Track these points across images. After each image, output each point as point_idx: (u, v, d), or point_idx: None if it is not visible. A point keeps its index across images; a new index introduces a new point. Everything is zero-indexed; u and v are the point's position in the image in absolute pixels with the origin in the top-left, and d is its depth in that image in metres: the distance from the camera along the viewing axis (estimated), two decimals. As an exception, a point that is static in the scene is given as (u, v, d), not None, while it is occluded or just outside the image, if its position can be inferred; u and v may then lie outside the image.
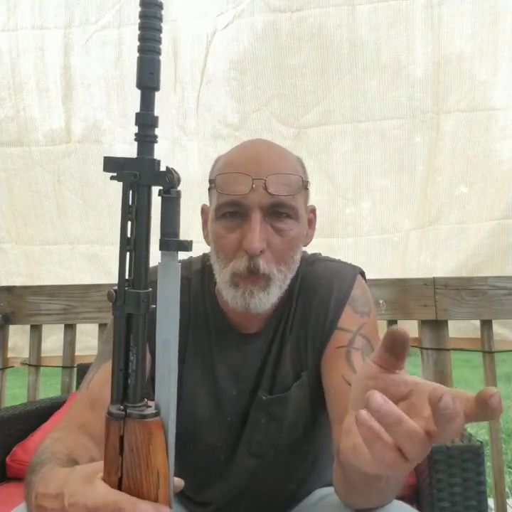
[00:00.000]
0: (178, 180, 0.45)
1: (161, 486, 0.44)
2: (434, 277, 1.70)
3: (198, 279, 0.91)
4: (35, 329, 1.95)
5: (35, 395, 1.92)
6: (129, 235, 0.47)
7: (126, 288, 0.45)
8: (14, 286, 1.96)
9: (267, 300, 0.79)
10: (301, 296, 0.89)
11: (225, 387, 0.88)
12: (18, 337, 2.01)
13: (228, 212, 0.79)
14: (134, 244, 0.47)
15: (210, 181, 0.83)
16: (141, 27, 0.42)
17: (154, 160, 0.44)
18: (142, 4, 0.42)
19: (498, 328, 1.71)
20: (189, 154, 1.93)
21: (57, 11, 1.91)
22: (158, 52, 0.43)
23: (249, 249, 0.75)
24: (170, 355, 0.46)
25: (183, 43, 1.88)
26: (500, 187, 1.73)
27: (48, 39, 1.93)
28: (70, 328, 1.93)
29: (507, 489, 1.78)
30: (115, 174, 0.45)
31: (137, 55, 0.44)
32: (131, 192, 0.47)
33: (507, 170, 1.72)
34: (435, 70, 1.74)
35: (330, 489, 0.88)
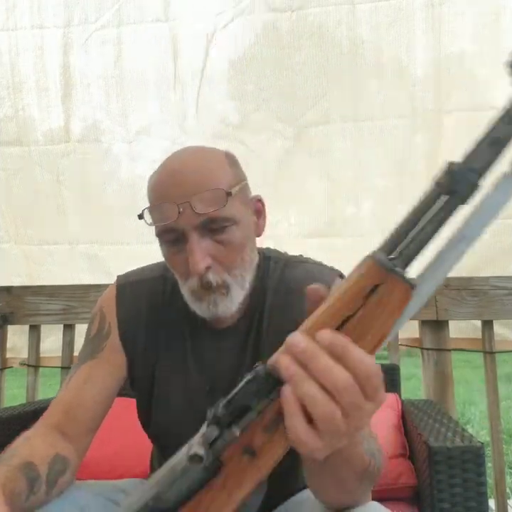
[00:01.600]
0: None
1: (373, 350, 0.43)
2: (434, 277, 1.69)
3: (173, 277, 0.92)
4: (34, 329, 1.94)
5: (34, 396, 1.92)
6: None
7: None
8: (13, 286, 1.95)
9: (231, 304, 0.82)
10: (279, 294, 0.89)
11: (197, 384, 0.89)
12: (17, 337, 2.01)
13: (168, 239, 0.82)
14: None
15: (139, 216, 0.83)
16: None
17: None
18: None
19: (498, 329, 1.71)
20: (189, 154, 1.92)
21: (56, 10, 1.91)
22: None
23: (194, 272, 0.78)
24: None
25: (183, 43, 1.88)
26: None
27: (47, 38, 1.92)
28: (69, 329, 1.92)
29: (508, 490, 1.78)
30: None
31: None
32: None
33: (507, 170, 1.72)
34: (436, 70, 1.74)
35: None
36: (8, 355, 2.00)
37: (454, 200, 0.42)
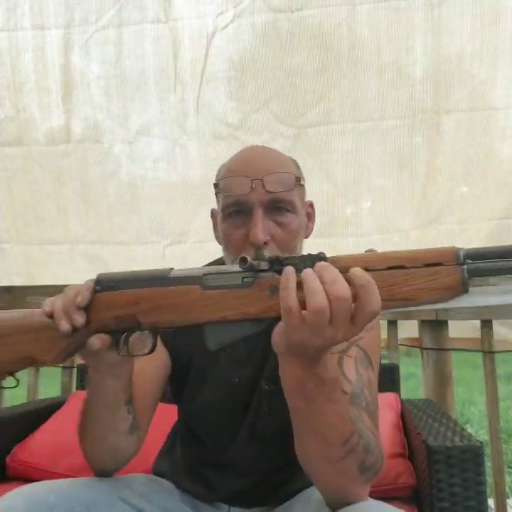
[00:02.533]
0: None
1: (399, 303, 0.55)
2: (434, 277, 1.70)
3: None
4: (35, 329, 1.94)
5: (35, 395, 1.92)
6: None
7: None
8: (14, 286, 1.96)
9: None
10: None
11: (227, 374, 0.93)
12: (17, 337, 2.01)
13: (233, 211, 0.86)
14: None
15: (215, 186, 0.91)
16: None
17: None
18: None
19: (498, 328, 1.71)
20: (189, 154, 1.93)
21: (57, 11, 1.91)
22: None
23: (254, 241, 0.82)
24: None
25: (183, 43, 1.88)
26: (500, 187, 1.73)
27: (47, 39, 1.93)
28: (69, 328, 1.92)
29: (507, 489, 1.78)
30: None
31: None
32: None
33: (507, 170, 1.72)
34: (435, 70, 1.74)
35: None
36: (9, 354, 2.01)
37: None
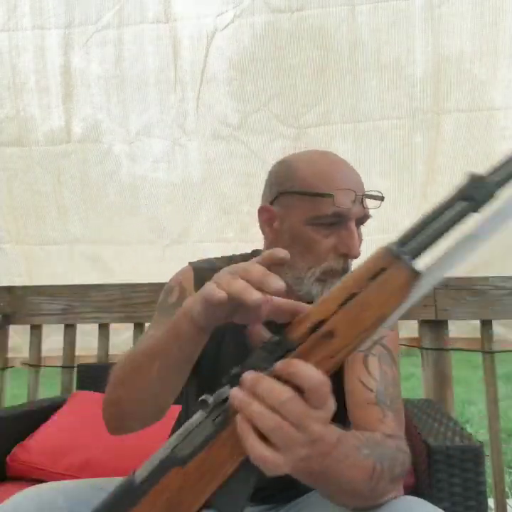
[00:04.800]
0: None
1: (371, 327, 0.47)
2: (434, 277, 1.70)
3: None
4: (35, 329, 1.95)
5: (35, 395, 1.92)
6: None
7: None
8: (14, 286, 1.95)
9: None
10: None
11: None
12: (18, 337, 2.01)
13: (329, 221, 0.88)
14: None
15: (288, 186, 0.90)
16: None
17: None
18: None
19: (498, 328, 1.71)
20: (189, 154, 1.93)
21: (57, 11, 1.91)
22: None
23: (355, 254, 0.87)
24: None
25: (183, 43, 1.88)
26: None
27: (48, 39, 1.93)
28: (70, 328, 1.92)
29: (507, 489, 1.78)
30: None
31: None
32: None
33: (507, 170, 1.72)
34: (435, 70, 1.74)
35: None
36: (10, 354, 2.01)
37: (470, 206, 0.47)
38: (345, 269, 0.88)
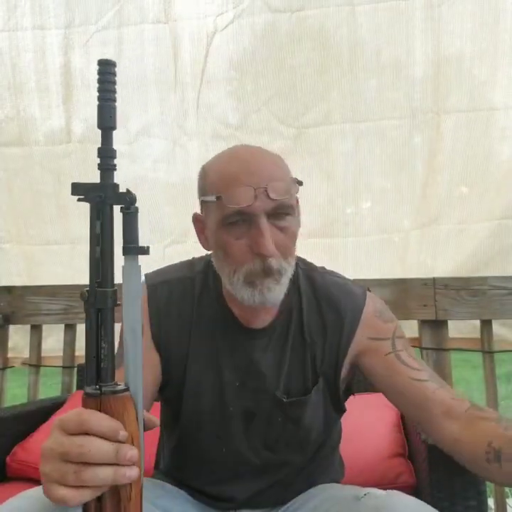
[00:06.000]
0: (135, 199, 0.56)
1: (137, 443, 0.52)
2: (434, 277, 1.70)
3: (201, 278, 0.97)
4: (36, 329, 1.95)
5: (36, 395, 1.92)
6: (96, 246, 0.59)
7: (96, 288, 0.56)
8: (14, 286, 1.96)
9: (280, 291, 0.86)
10: (313, 303, 0.95)
11: (228, 379, 0.93)
12: (18, 337, 2.01)
13: (234, 221, 0.83)
14: (101, 253, 0.59)
15: (201, 192, 0.89)
16: (99, 81, 0.56)
17: (115, 184, 0.57)
18: (99, 63, 0.56)
19: (497, 328, 1.71)
20: (189, 154, 1.93)
21: (57, 11, 1.91)
22: (114, 100, 0.58)
23: (265, 253, 0.81)
24: (136, 340, 0.55)
25: (183, 43, 1.88)
26: (500, 187, 1.73)
27: (48, 39, 1.93)
28: (70, 328, 1.93)
29: (507, 489, 1.78)
30: (83, 196, 0.59)
31: (98, 102, 0.57)
32: (97, 211, 0.58)
33: (507, 170, 1.72)
34: (435, 70, 1.74)
35: (332, 484, 1.00)
36: (10, 354, 2.01)
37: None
38: (266, 270, 0.82)
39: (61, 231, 2.00)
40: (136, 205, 0.56)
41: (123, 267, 0.58)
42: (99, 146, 0.56)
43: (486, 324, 1.69)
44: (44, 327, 1.96)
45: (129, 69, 1.89)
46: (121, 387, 0.53)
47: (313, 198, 1.85)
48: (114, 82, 0.57)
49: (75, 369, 1.89)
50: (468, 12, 1.69)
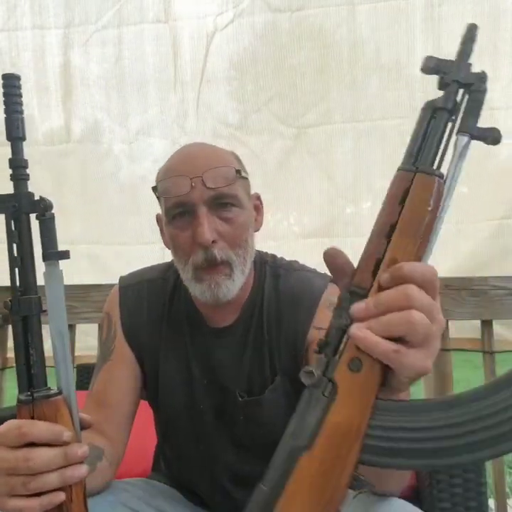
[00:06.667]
0: (51, 205, 0.55)
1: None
2: (434, 277, 1.70)
3: (174, 279, 0.97)
4: (35, 329, 1.94)
5: (35, 395, 1.92)
6: (15, 255, 0.56)
7: (19, 296, 0.54)
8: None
9: (233, 286, 0.84)
10: (274, 300, 0.93)
11: (197, 377, 0.93)
12: (17, 337, 2.01)
13: (177, 213, 0.84)
14: (20, 261, 0.56)
15: (154, 189, 0.91)
16: (5, 94, 0.55)
17: (30, 193, 0.56)
18: (3, 78, 0.55)
19: (498, 329, 1.71)
20: (189, 154, 1.93)
21: (57, 11, 1.91)
22: (21, 112, 0.56)
23: (201, 241, 0.80)
24: (64, 343, 0.58)
25: (183, 43, 1.88)
26: (499, 187, 1.73)
27: (47, 38, 1.93)
28: (70, 329, 1.92)
29: (507, 490, 1.78)
30: None
31: (5, 114, 0.56)
32: (13, 220, 0.56)
33: (507, 170, 1.72)
34: (435, 70, 1.74)
35: None
36: (9, 354, 2.00)
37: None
38: (209, 259, 0.81)
39: (61, 231, 1.98)
40: (52, 211, 0.56)
41: (44, 272, 0.56)
42: (10, 157, 0.56)
43: (487, 324, 1.68)
44: (44, 327, 1.95)
45: (128, 68, 1.89)
46: (54, 391, 0.56)
47: (313, 198, 1.85)
48: (20, 95, 0.56)
49: (75, 369, 1.88)
50: (468, 12, 1.69)
